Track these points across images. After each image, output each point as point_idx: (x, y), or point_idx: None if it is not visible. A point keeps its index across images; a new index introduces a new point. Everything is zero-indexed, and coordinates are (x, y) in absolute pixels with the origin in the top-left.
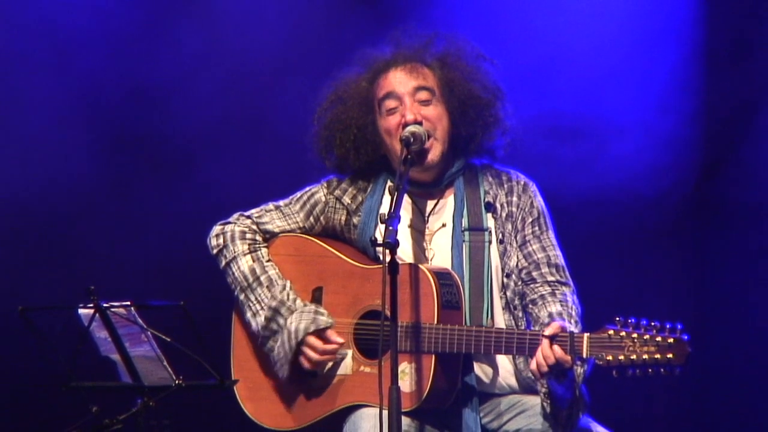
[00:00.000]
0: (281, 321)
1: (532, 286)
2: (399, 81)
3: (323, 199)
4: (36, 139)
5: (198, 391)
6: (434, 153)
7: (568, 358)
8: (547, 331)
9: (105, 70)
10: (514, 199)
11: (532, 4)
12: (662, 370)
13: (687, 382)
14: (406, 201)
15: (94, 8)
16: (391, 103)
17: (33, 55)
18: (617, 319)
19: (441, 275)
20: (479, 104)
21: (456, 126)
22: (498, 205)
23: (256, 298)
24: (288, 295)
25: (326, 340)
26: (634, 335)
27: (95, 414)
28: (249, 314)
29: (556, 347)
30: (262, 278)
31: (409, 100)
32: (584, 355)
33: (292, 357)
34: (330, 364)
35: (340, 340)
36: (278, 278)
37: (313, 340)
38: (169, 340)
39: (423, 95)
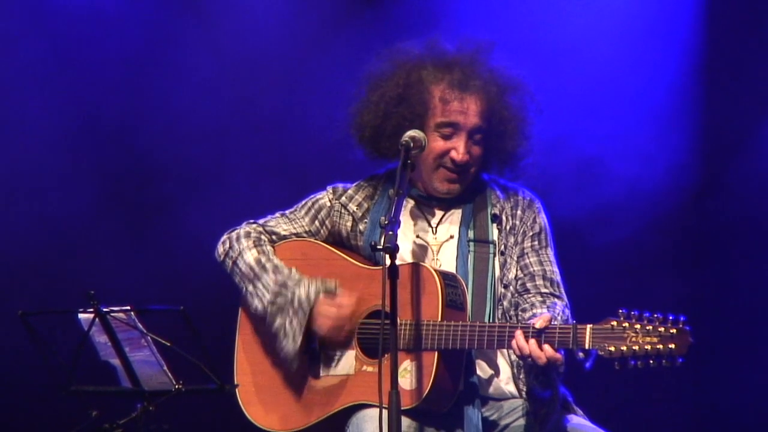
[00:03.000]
0: (288, 294)
1: (525, 296)
2: (467, 114)
3: (328, 204)
4: (39, 144)
5: (198, 395)
6: (462, 185)
7: (559, 357)
8: (538, 324)
9: (108, 84)
10: (519, 212)
11: (531, 22)
12: (664, 361)
13: (686, 385)
14: (415, 210)
15: (92, 39)
16: (448, 130)
17: (33, 74)
18: (620, 311)
19: (446, 276)
20: (513, 157)
21: (483, 157)
22: (503, 217)
23: (263, 285)
24: (293, 272)
25: (339, 303)
26: (637, 326)
27: (95, 418)
28: (257, 300)
29: (546, 346)
30: (268, 266)
31: (465, 136)
32: (587, 347)
33: (306, 325)
34: (347, 330)
35: (352, 300)
36: (284, 266)
37: (325, 304)
38: (168, 344)
39: (478, 136)
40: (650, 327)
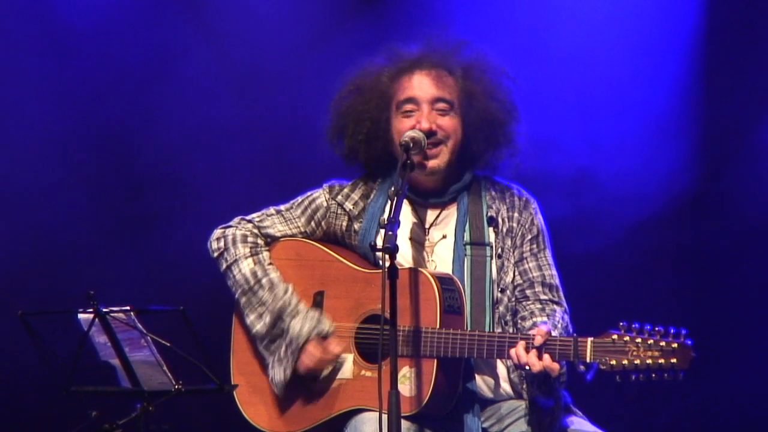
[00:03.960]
0: (285, 324)
1: (524, 303)
2: (421, 86)
3: (324, 204)
4: (38, 141)
5: (197, 395)
6: (441, 159)
7: (556, 366)
8: (537, 341)
9: (110, 87)
10: (516, 215)
11: (531, 23)
12: (666, 375)
13: (684, 385)
14: (409, 211)
15: (91, 46)
16: (409, 106)
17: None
18: (621, 324)
19: (443, 280)
20: (494, 122)
21: (468, 140)
22: (500, 220)
23: (259, 301)
24: (291, 298)
25: (325, 349)
26: (638, 340)
27: (95, 419)
28: (253, 316)
29: (546, 356)
30: (264, 281)
31: (426, 108)
32: (588, 360)
33: (295, 359)
34: (327, 371)
35: (338, 350)
36: (280, 281)
37: (312, 346)
38: (168, 344)
39: (441, 105)
40: (651, 341)
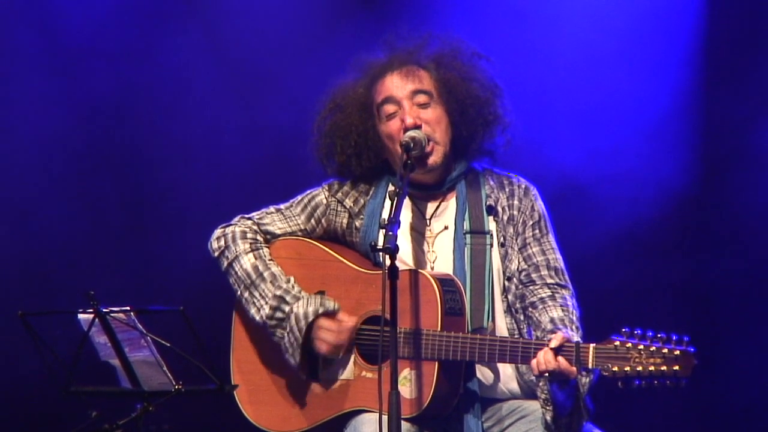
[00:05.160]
0: (287, 308)
1: (531, 288)
2: (396, 85)
3: (324, 201)
4: (40, 145)
5: (197, 395)
6: (436, 156)
7: (573, 369)
8: (553, 344)
9: (113, 79)
10: (516, 202)
11: (531, 21)
12: (668, 382)
13: (691, 393)
14: (408, 204)
15: (90, 51)
16: (390, 108)
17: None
18: (623, 330)
19: (444, 282)
20: (478, 103)
21: (456, 126)
22: (499, 209)
23: (261, 294)
24: (293, 286)
25: (339, 323)
26: (640, 347)
27: (95, 419)
28: (253, 309)
29: (561, 358)
30: (266, 274)
31: (407, 104)
32: (590, 366)
33: (303, 341)
34: (341, 354)
35: (352, 323)
36: (281, 274)
37: (326, 321)
38: (168, 345)
39: (421, 98)
40: (654, 348)
